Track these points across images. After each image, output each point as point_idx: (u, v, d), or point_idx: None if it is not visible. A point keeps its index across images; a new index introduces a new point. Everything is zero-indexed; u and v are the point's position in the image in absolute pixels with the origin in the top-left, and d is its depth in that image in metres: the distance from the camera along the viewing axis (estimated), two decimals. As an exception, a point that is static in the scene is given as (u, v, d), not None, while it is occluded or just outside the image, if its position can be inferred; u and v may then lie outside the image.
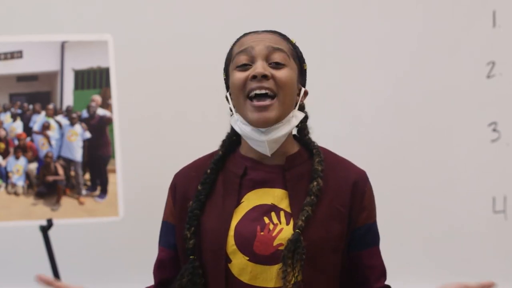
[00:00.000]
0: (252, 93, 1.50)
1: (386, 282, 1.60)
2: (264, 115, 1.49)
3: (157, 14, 3.13)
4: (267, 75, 1.48)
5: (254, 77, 1.48)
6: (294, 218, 1.50)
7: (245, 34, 1.58)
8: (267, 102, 1.48)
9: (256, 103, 1.49)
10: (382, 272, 1.59)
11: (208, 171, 1.58)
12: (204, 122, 3.10)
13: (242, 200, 1.54)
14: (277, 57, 1.51)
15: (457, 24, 3.03)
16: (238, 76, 1.51)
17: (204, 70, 3.04)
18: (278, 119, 1.51)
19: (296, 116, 1.56)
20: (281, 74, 1.50)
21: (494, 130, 3.03)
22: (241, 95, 1.51)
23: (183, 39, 3.11)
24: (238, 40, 1.58)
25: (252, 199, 1.54)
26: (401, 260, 2.96)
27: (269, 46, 1.51)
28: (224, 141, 1.64)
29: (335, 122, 3.02)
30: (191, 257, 1.53)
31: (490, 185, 3.03)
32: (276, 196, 1.53)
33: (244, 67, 1.51)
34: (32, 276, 3.45)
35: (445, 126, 3.05)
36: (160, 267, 1.64)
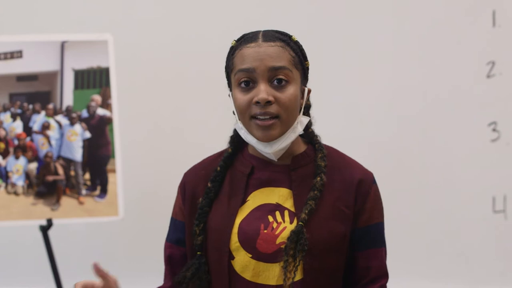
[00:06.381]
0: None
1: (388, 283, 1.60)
2: (269, 133, 1.52)
3: (157, 14, 3.13)
4: (271, 100, 1.51)
5: (257, 102, 1.51)
6: (298, 218, 1.52)
7: (246, 42, 1.55)
8: (270, 122, 1.51)
9: (260, 122, 1.52)
10: (378, 275, 1.58)
11: (218, 168, 1.61)
12: (204, 122, 3.10)
13: (247, 199, 1.57)
14: (279, 75, 1.52)
15: (457, 24, 3.03)
16: (242, 98, 1.53)
17: (205, 70, 3.04)
18: (282, 134, 1.54)
19: (301, 122, 1.58)
20: (284, 96, 1.51)
21: (494, 130, 3.03)
22: (246, 115, 1.54)
23: (183, 39, 3.11)
24: (239, 47, 1.56)
25: (258, 197, 1.57)
26: (400, 259, 2.95)
27: (271, 67, 1.51)
28: (232, 137, 1.65)
29: (335, 122, 3.02)
30: (198, 253, 1.56)
31: (490, 185, 3.03)
32: (281, 196, 1.56)
33: (246, 86, 1.53)
34: (32, 276, 3.46)
35: (445, 126, 3.05)
36: (172, 265, 1.63)
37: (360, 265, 1.57)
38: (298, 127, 1.57)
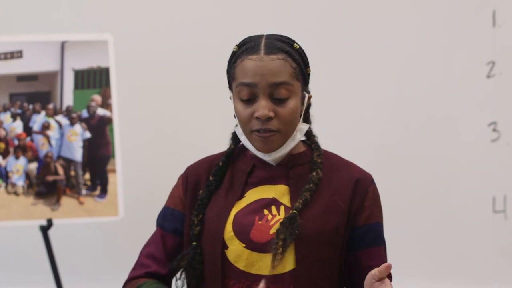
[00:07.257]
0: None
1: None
2: (268, 146, 1.55)
3: (157, 14, 3.13)
4: (271, 116, 1.52)
5: (258, 118, 1.52)
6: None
7: (248, 52, 1.54)
8: (270, 134, 1.54)
9: (259, 134, 1.54)
10: None
11: (220, 163, 1.63)
12: (204, 121, 3.10)
13: (245, 195, 1.59)
14: (280, 92, 1.53)
15: (457, 24, 3.03)
16: (243, 111, 1.54)
17: (205, 70, 3.04)
18: (281, 145, 1.57)
19: (300, 130, 1.60)
20: (284, 111, 1.53)
21: (494, 130, 3.03)
22: (247, 128, 1.56)
23: (183, 39, 3.11)
24: (240, 56, 1.55)
25: (255, 193, 1.59)
26: (400, 259, 2.95)
27: (271, 83, 1.52)
28: (234, 134, 1.66)
29: (334, 124, 3.02)
30: (193, 243, 1.57)
31: (490, 185, 3.03)
32: (278, 191, 1.58)
33: (247, 99, 1.54)
34: (32, 276, 3.46)
35: (445, 126, 3.05)
36: (168, 254, 1.62)
37: (363, 264, 1.57)
38: (298, 135, 1.60)
